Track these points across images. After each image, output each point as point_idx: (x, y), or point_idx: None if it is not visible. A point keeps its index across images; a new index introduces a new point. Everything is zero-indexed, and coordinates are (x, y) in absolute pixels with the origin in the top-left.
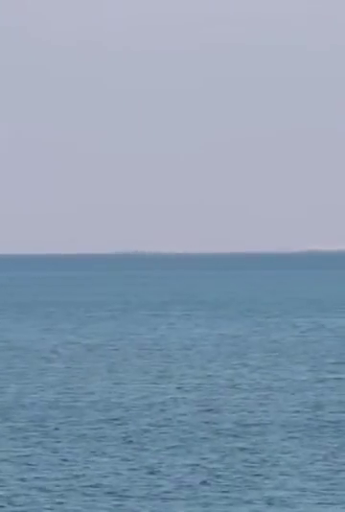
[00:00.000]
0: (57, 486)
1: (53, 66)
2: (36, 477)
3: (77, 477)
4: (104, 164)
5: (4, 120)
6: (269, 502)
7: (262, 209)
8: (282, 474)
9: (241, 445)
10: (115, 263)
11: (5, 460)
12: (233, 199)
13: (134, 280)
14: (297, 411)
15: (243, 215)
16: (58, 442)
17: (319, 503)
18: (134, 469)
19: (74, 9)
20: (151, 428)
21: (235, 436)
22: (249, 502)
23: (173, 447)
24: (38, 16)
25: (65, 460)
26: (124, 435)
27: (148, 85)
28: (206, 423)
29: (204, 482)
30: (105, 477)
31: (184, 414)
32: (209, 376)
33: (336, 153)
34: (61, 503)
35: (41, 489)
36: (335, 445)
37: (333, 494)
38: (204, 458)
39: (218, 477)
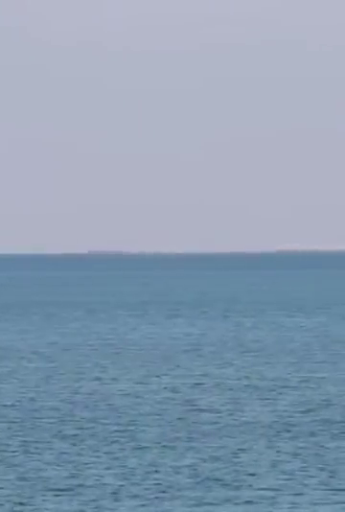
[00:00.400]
0: (44, 485)
1: (53, 66)
2: (22, 478)
3: (62, 476)
4: (104, 164)
5: (4, 120)
6: (253, 502)
7: (261, 209)
8: (265, 473)
9: (224, 445)
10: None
11: None
12: (233, 200)
13: (120, 280)
14: (279, 411)
15: (243, 215)
16: (43, 442)
17: (302, 502)
18: (117, 468)
19: (74, 9)
20: (134, 428)
21: (218, 436)
22: (233, 502)
23: (156, 447)
24: (38, 16)
25: (52, 460)
26: (107, 435)
27: (148, 85)
28: (188, 423)
29: (188, 482)
30: (90, 476)
31: (166, 414)
32: (189, 376)
33: (337, 153)
34: (47, 502)
35: (30, 488)
36: (319, 444)
37: (315, 493)
38: (188, 458)
39: (203, 476)
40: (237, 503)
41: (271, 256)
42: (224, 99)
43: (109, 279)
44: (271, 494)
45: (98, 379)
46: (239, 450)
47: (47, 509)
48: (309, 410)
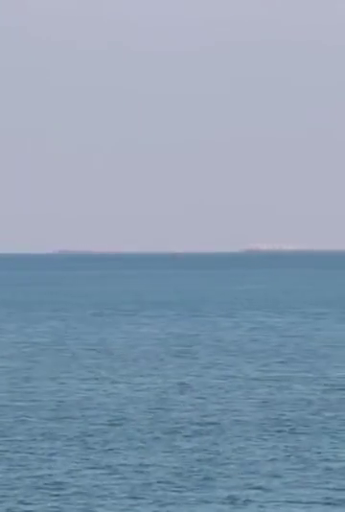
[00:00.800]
0: (13, 485)
1: (53, 66)
2: (2, 477)
3: (31, 476)
4: (104, 164)
5: (4, 120)
6: (235, 500)
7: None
8: (237, 472)
9: (195, 444)
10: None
11: None
12: (232, 199)
13: (97, 280)
14: (249, 410)
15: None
16: (12, 441)
17: (282, 500)
18: (89, 468)
19: (74, 9)
20: (105, 427)
21: (189, 435)
22: (206, 502)
23: (127, 447)
24: (38, 16)
25: (22, 460)
26: (77, 435)
27: (147, 85)
28: (159, 422)
29: (161, 482)
30: (60, 475)
31: (136, 414)
32: (159, 375)
33: (336, 154)
34: (19, 503)
35: (9, 488)
36: (289, 442)
37: (296, 491)
38: (159, 458)
39: (175, 476)
40: (219, 502)
41: (238, 256)
42: (224, 99)
43: (77, 279)
44: (253, 492)
45: (74, 379)
46: (219, 448)
47: (27, 508)
48: (277, 409)
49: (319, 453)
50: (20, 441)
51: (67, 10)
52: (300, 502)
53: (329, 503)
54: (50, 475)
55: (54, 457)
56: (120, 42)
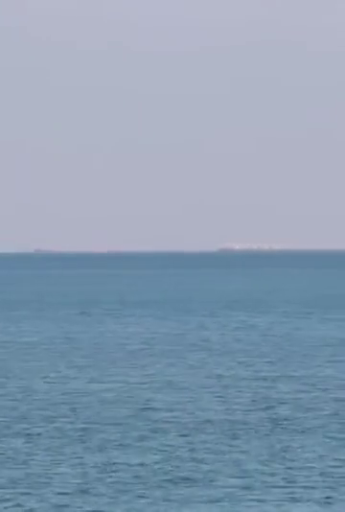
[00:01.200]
0: (1, 483)
1: (53, 66)
2: None
3: (20, 475)
4: (104, 164)
5: (4, 120)
6: (213, 500)
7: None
8: (224, 471)
9: (182, 443)
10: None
11: None
12: (232, 199)
13: (68, 279)
14: (234, 409)
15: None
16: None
17: (262, 500)
18: (76, 467)
19: (74, 9)
20: (92, 426)
21: (175, 434)
22: (193, 501)
23: (114, 446)
24: (38, 16)
25: (6, 459)
26: (64, 434)
27: (147, 85)
28: (145, 421)
29: (148, 481)
30: (46, 474)
31: (122, 413)
32: (143, 375)
33: (336, 154)
34: (8, 500)
35: None
36: (275, 442)
37: (273, 490)
38: (146, 457)
39: (162, 475)
40: (206, 501)
41: (212, 255)
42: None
43: (57, 278)
44: (239, 491)
45: (51, 378)
46: (205, 447)
47: (6, 508)
48: (261, 408)
49: (304, 452)
50: (5, 440)
51: (67, 10)
52: (286, 501)
53: (315, 502)
54: (35, 473)
55: (40, 456)
56: (120, 42)
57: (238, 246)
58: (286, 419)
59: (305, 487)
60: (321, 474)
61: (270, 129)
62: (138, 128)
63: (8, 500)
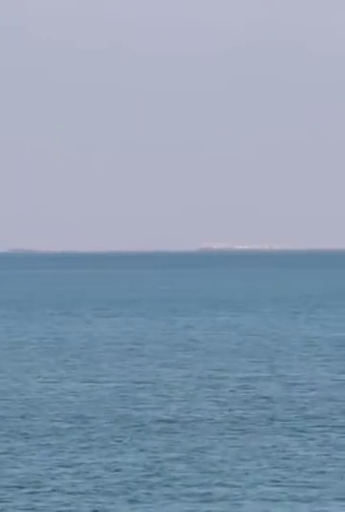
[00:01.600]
0: None
1: (53, 66)
2: None
3: (10, 473)
4: (104, 163)
5: (4, 120)
6: (193, 499)
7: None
8: (203, 470)
9: (161, 443)
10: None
11: None
12: (232, 199)
13: (47, 279)
14: (212, 408)
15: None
16: None
17: (242, 498)
18: (64, 466)
19: (74, 9)
20: (68, 427)
21: (154, 434)
22: (173, 499)
23: (93, 446)
24: (38, 16)
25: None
26: (40, 434)
27: (147, 86)
28: (123, 421)
29: (128, 480)
30: (24, 473)
31: (99, 413)
32: (130, 374)
33: (336, 154)
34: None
35: None
36: (262, 441)
37: (255, 489)
38: (125, 456)
39: (143, 474)
40: (183, 501)
41: (193, 255)
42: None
43: (36, 278)
44: (218, 489)
45: (39, 377)
46: (184, 447)
47: None
48: (249, 408)
49: (283, 450)
50: None
51: (67, 10)
52: (266, 500)
53: (295, 500)
54: (26, 473)
55: (29, 456)
56: (120, 42)
57: (216, 246)
58: (265, 418)
59: (292, 486)
60: (309, 472)
61: (270, 129)
62: (137, 128)
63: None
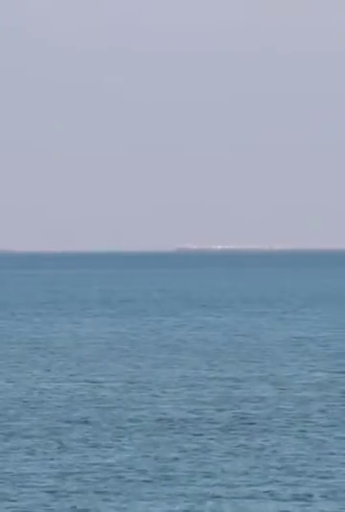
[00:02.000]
0: None
1: (53, 66)
2: None
3: None
4: (104, 163)
5: (4, 120)
6: (186, 499)
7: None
8: (196, 470)
9: (154, 442)
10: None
11: None
12: (231, 199)
13: (24, 279)
14: (202, 408)
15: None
16: None
17: (235, 497)
18: (44, 466)
19: (74, 9)
20: (60, 426)
21: (145, 434)
22: (167, 499)
23: (85, 446)
24: (38, 16)
25: None
26: (30, 434)
27: (147, 86)
28: (114, 421)
29: (122, 479)
30: (17, 473)
31: (90, 413)
32: (111, 374)
33: (336, 154)
34: None
35: None
36: (241, 440)
37: (248, 488)
38: (118, 456)
39: (135, 473)
40: (163, 500)
41: (170, 255)
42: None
43: (13, 278)
44: (212, 489)
45: (25, 378)
46: (176, 446)
47: None
48: (227, 408)
49: (274, 450)
50: None
51: (67, 10)
52: (260, 499)
53: (285, 500)
54: (5, 473)
55: (9, 456)
56: (120, 42)
57: (193, 246)
58: (256, 418)
59: (272, 484)
60: (288, 472)
61: (270, 130)
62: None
63: None
